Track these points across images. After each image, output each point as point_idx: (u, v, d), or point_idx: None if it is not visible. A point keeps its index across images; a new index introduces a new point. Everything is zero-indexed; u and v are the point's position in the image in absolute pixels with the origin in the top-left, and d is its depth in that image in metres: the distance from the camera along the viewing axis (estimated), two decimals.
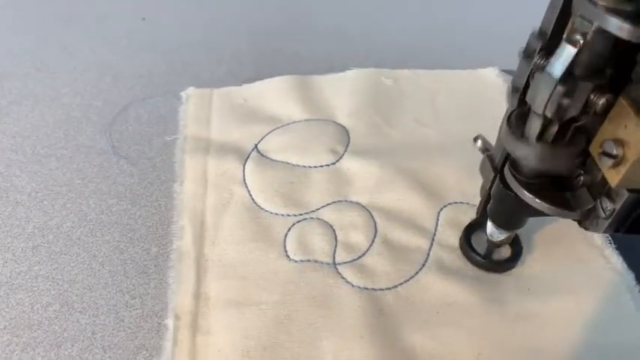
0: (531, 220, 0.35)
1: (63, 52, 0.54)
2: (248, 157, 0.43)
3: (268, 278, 0.35)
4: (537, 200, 0.30)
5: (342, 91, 0.50)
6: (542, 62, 0.28)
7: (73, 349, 0.32)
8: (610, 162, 0.26)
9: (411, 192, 0.41)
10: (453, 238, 0.38)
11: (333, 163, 0.43)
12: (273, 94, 0.49)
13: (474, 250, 0.37)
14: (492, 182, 0.34)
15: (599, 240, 0.38)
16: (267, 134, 0.45)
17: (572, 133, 0.28)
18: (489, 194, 0.34)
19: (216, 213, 0.39)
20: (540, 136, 0.28)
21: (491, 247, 0.37)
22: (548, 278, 0.36)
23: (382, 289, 0.35)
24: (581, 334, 0.34)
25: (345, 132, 0.46)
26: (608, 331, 0.34)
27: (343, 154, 0.44)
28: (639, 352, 0.33)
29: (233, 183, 0.41)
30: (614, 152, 0.25)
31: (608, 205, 0.28)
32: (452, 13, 0.62)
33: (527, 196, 0.31)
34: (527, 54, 0.29)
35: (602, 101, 0.26)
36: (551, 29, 0.28)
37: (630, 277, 0.36)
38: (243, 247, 0.37)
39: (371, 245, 0.38)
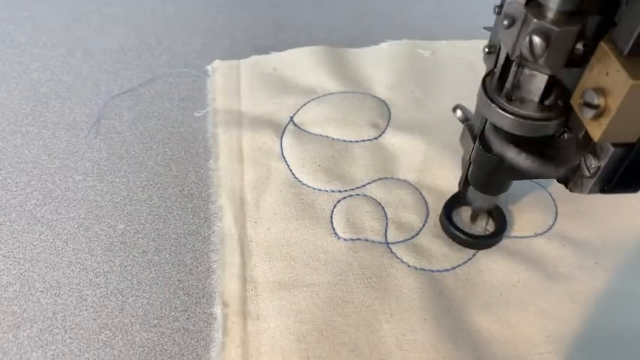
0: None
1: (33, 28, 0.52)
2: (284, 130, 0.41)
3: (318, 258, 0.34)
4: (519, 157, 0.29)
5: (378, 64, 0.48)
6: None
7: (33, 329, 0.31)
8: (591, 113, 0.24)
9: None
10: (511, 217, 0.36)
11: (376, 138, 0.41)
12: (305, 64, 0.47)
13: (455, 226, 0.35)
14: (472, 152, 0.32)
15: None
16: (302, 106, 0.43)
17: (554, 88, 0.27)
18: (469, 166, 0.32)
19: (256, 190, 0.37)
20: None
21: (474, 214, 0.35)
22: (613, 253, 0.35)
23: (440, 271, 0.34)
24: None
25: (384, 106, 0.44)
26: None
27: (385, 129, 0.42)
28: None
29: (271, 158, 0.39)
30: (595, 102, 0.23)
31: (593, 163, 0.26)
32: None
33: (509, 154, 0.29)
34: (499, 10, 0.27)
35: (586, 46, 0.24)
36: None
37: None
38: (287, 225, 0.35)
39: (424, 225, 0.36)
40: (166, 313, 0.32)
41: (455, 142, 0.35)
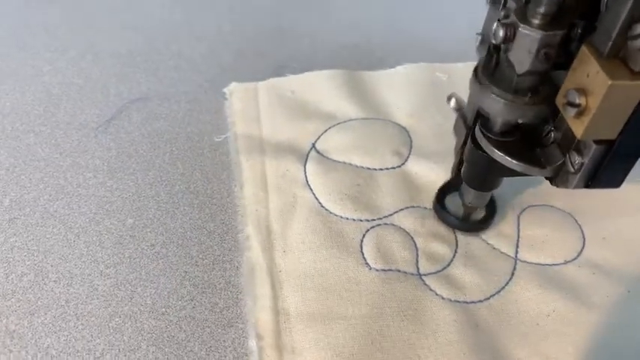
0: (605, 216, 0.37)
1: (45, 33, 0.54)
2: (307, 157, 0.41)
3: (351, 289, 0.33)
4: (508, 158, 0.30)
5: (397, 89, 0.47)
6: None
7: (47, 316, 0.33)
8: (574, 111, 0.25)
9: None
10: (539, 243, 0.37)
11: (399, 166, 0.41)
12: (323, 87, 0.47)
13: (448, 211, 0.37)
14: (465, 140, 0.33)
15: None
16: (323, 132, 0.43)
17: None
18: (462, 154, 0.34)
19: (282, 218, 0.37)
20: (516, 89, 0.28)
21: (466, 210, 0.36)
22: (636, 278, 0.35)
23: (474, 302, 0.33)
24: None
25: (406, 133, 0.44)
26: None
27: (408, 157, 0.42)
28: None
29: (296, 185, 0.39)
30: (577, 101, 0.25)
31: (577, 159, 0.28)
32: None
33: (497, 155, 0.30)
34: (493, 1, 0.29)
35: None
36: None
37: None
38: (317, 255, 0.35)
39: (454, 255, 0.36)
40: (173, 302, 0.33)
41: None
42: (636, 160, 0.27)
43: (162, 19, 0.57)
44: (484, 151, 0.31)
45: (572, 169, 0.28)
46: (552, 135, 0.30)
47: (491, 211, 0.37)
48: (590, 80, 0.25)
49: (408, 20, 0.59)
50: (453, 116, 0.41)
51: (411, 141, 0.43)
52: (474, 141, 0.32)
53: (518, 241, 0.37)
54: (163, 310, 0.33)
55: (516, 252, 0.36)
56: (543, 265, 0.35)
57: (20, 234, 0.37)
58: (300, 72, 0.49)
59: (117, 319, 0.33)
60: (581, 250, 0.36)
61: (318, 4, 0.61)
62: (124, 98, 0.47)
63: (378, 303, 0.33)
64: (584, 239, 0.37)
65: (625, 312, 0.33)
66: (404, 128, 0.44)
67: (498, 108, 0.29)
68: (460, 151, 0.34)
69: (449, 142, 0.39)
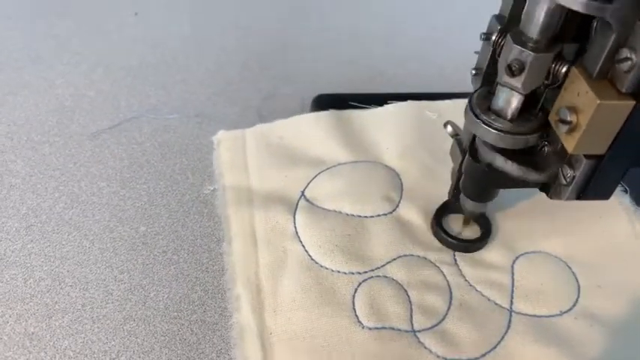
0: (599, 263, 0.37)
1: (57, 45, 0.56)
2: (297, 206, 0.40)
3: (343, 350, 0.32)
4: (508, 162, 0.32)
5: (386, 129, 0.46)
6: (500, 41, 0.30)
7: (64, 319, 0.34)
8: (565, 128, 0.27)
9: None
10: (534, 293, 0.36)
11: (391, 212, 0.40)
12: (311, 131, 0.45)
13: (445, 231, 0.38)
14: (461, 164, 0.35)
15: None
16: (312, 179, 0.42)
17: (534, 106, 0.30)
18: (459, 177, 0.36)
19: (273, 276, 0.35)
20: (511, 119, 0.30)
21: (467, 220, 0.38)
22: (634, 329, 0.34)
23: (470, 359, 0.33)
24: None
25: (396, 175, 0.42)
26: None
27: (399, 202, 0.40)
28: None
29: (285, 238, 0.38)
30: (569, 118, 0.27)
31: (569, 172, 0.30)
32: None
33: (498, 159, 0.32)
34: (487, 37, 0.31)
35: (563, 69, 0.28)
36: (509, 12, 0.30)
37: None
38: (309, 315, 0.33)
39: (449, 308, 0.35)
40: (185, 306, 0.35)
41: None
42: (624, 173, 0.29)
43: (171, 33, 0.59)
44: (480, 161, 0.33)
45: (564, 182, 0.30)
46: (546, 149, 0.32)
47: (487, 231, 0.38)
48: (580, 99, 0.26)
49: (408, 33, 0.61)
50: (443, 157, 0.41)
51: (402, 184, 0.42)
52: (472, 154, 0.34)
53: (512, 291, 0.36)
54: (175, 314, 0.35)
55: (511, 303, 0.35)
56: (539, 316, 0.35)
57: (37, 240, 0.38)
58: (302, 84, 0.51)
59: (131, 323, 0.34)
60: (577, 300, 0.36)
61: (318, 19, 0.63)
62: (134, 110, 0.49)
63: None
64: (579, 288, 0.36)
65: None
66: (394, 170, 0.43)
67: (492, 137, 0.31)
68: (457, 175, 0.36)
69: (440, 185, 0.40)
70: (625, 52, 0.25)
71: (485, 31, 0.31)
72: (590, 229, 0.39)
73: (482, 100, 0.32)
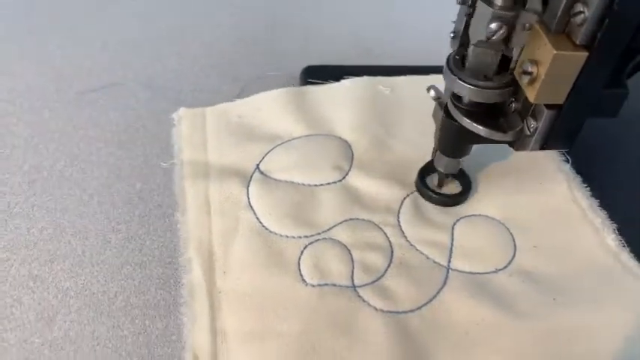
0: (537, 226, 0.39)
1: (55, 20, 0.58)
2: (251, 178, 0.42)
3: (287, 306, 0.34)
4: (475, 125, 0.35)
5: (340, 103, 0.47)
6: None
7: (65, 264, 0.36)
8: (527, 79, 0.30)
9: (422, 209, 0.41)
10: (472, 253, 0.38)
11: (340, 180, 0.42)
12: (269, 108, 0.47)
13: (429, 188, 0.41)
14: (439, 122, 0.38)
15: (613, 244, 0.38)
16: (267, 153, 0.43)
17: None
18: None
19: (224, 241, 0.37)
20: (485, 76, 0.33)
21: (441, 178, 0.41)
22: (571, 288, 0.36)
23: (406, 312, 0.34)
24: (611, 346, 0.33)
25: (348, 147, 0.44)
26: (635, 340, 0.33)
27: (349, 171, 0.42)
28: None
29: (238, 208, 0.39)
30: (530, 69, 0.29)
31: (532, 124, 0.32)
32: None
33: (466, 122, 0.35)
34: (463, 1, 0.33)
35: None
36: None
37: None
38: (256, 275, 0.35)
39: (389, 265, 0.37)
40: (178, 253, 0.37)
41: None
42: (582, 123, 0.32)
43: (167, 9, 0.61)
44: (455, 120, 0.36)
45: (528, 133, 0.33)
46: (513, 105, 0.34)
47: (467, 187, 0.41)
48: (540, 52, 0.29)
49: (398, 12, 0.64)
50: (394, 129, 0.45)
51: (353, 155, 0.44)
52: (447, 112, 0.36)
53: (451, 250, 0.38)
54: (169, 259, 0.37)
55: (449, 261, 0.37)
56: (474, 273, 0.37)
57: (39, 194, 0.40)
58: (293, 62, 0.53)
59: (128, 267, 0.37)
60: (512, 259, 0.38)
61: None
62: (129, 79, 0.51)
63: (312, 318, 0.33)
64: (516, 248, 0.38)
65: (550, 319, 0.34)
66: (346, 142, 0.45)
67: (467, 91, 0.33)
68: (438, 135, 0.39)
69: (390, 155, 0.43)
70: (579, 7, 0.27)
71: None
72: (531, 194, 0.42)
73: (458, 60, 0.34)
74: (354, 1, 0.66)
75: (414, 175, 0.42)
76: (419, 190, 0.41)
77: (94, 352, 0.33)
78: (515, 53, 0.32)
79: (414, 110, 0.47)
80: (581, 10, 0.27)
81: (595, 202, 0.41)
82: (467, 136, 0.36)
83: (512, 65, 0.32)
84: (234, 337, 0.32)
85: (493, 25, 0.30)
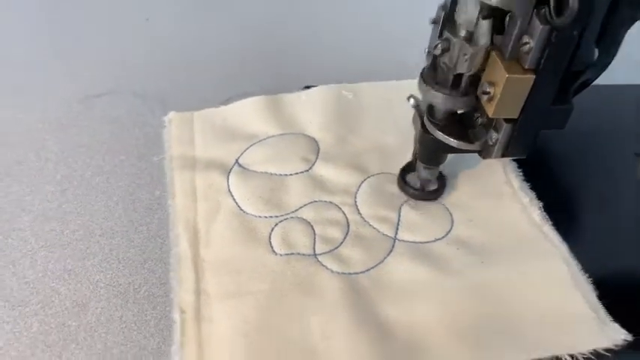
0: (479, 207, 0.46)
1: (74, 43, 0.64)
2: (231, 170, 0.48)
3: (259, 271, 0.40)
4: (447, 137, 0.40)
5: (309, 107, 0.54)
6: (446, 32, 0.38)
7: (95, 260, 0.42)
8: (486, 97, 0.36)
9: (376, 192, 0.47)
10: (416, 226, 0.44)
11: (307, 170, 0.49)
12: (249, 113, 0.54)
13: (410, 185, 0.46)
14: (418, 135, 0.43)
15: (537, 218, 0.44)
16: (245, 150, 0.50)
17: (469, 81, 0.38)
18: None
19: (207, 221, 0.44)
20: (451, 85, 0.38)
21: (423, 182, 0.46)
22: (497, 250, 0.43)
23: (357, 273, 0.41)
24: (527, 299, 0.39)
25: (315, 143, 0.51)
26: (549, 295, 0.40)
27: (315, 162, 0.49)
28: (569, 314, 0.38)
29: (219, 194, 0.46)
30: (488, 90, 0.35)
31: (494, 135, 0.38)
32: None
33: (439, 135, 0.41)
34: (435, 22, 0.39)
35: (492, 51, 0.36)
36: (450, 2, 0.38)
37: (564, 248, 0.42)
38: (234, 247, 0.42)
39: (345, 237, 0.43)
40: None
41: (372, 171, 0.48)
42: (536, 134, 0.37)
43: (176, 32, 0.68)
44: (431, 134, 0.41)
45: (491, 143, 0.38)
46: (479, 120, 0.40)
47: (442, 184, 0.47)
48: (496, 75, 0.35)
49: (397, 25, 0.70)
50: (356, 128, 0.53)
51: (319, 149, 0.51)
52: (424, 127, 0.42)
53: (398, 225, 0.44)
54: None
55: (396, 233, 0.44)
56: (417, 242, 0.43)
57: (71, 201, 0.46)
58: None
59: (150, 262, 0.42)
60: (450, 230, 0.44)
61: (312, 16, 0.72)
62: (149, 97, 0.57)
63: (279, 280, 0.40)
64: (453, 222, 0.45)
65: (475, 276, 0.40)
66: (313, 139, 0.52)
67: (440, 100, 0.39)
68: (417, 139, 0.44)
69: (351, 149, 0.51)
70: (526, 39, 0.33)
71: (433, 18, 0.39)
72: (470, 178, 0.48)
73: (432, 73, 0.40)
74: (352, 21, 0.72)
75: (370, 165, 0.49)
76: (400, 187, 0.47)
77: (122, 334, 0.38)
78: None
79: (373, 112, 0.55)
80: (528, 41, 0.33)
81: (526, 185, 0.47)
82: (441, 147, 0.42)
83: (462, 84, 0.38)
84: (214, 296, 0.39)
85: (440, 45, 0.36)
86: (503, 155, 0.39)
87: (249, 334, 0.37)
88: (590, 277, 0.40)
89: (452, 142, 0.40)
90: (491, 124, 0.39)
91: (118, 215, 0.45)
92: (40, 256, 0.42)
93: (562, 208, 0.46)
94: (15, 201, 0.46)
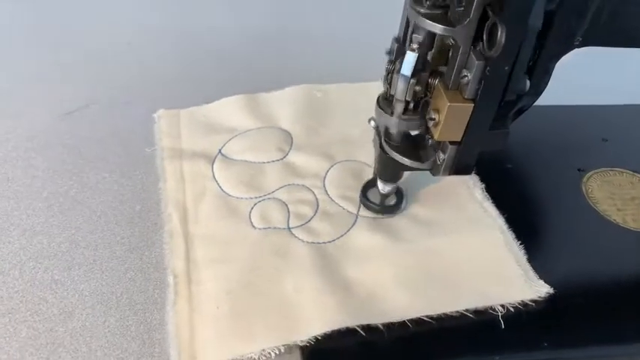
0: (430, 188, 0.52)
1: (62, 66, 0.68)
2: (215, 159, 0.55)
3: (240, 242, 0.47)
4: (401, 157, 0.45)
5: (285, 105, 0.62)
6: (397, 63, 0.42)
7: (80, 270, 0.46)
8: (432, 122, 0.40)
9: (342, 175, 0.54)
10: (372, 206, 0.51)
11: (282, 159, 0.56)
12: (229, 109, 0.61)
13: (370, 201, 0.51)
14: (377, 155, 0.48)
15: (479, 196, 0.52)
16: (227, 141, 0.57)
17: (420, 105, 0.43)
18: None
19: (195, 202, 0.51)
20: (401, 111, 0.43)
21: (382, 197, 0.51)
22: (444, 223, 0.50)
23: (325, 242, 0.48)
24: (466, 259, 0.47)
25: (288, 135, 0.59)
26: (485, 256, 0.47)
27: (289, 151, 0.57)
28: (502, 272, 0.46)
29: (205, 179, 0.53)
30: (433, 116, 0.40)
31: (441, 155, 0.42)
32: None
33: (395, 155, 0.45)
34: (389, 53, 0.43)
35: (437, 81, 0.40)
36: (402, 35, 0.42)
37: (501, 220, 0.50)
38: (218, 223, 0.49)
39: (315, 214, 0.50)
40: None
41: (339, 158, 0.56)
42: (477, 154, 0.42)
43: (157, 49, 0.72)
44: (388, 154, 0.46)
45: (438, 162, 0.43)
46: (430, 142, 0.44)
47: (400, 199, 0.51)
48: (439, 103, 0.39)
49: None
50: (325, 122, 0.60)
51: (292, 140, 0.58)
52: (382, 148, 0.46)
53: (360, 204, 0.51)
54: (164, 266, 0.46)
55: (358, 211, 0.51)
56: (375, 217, 0.50)
57: (56, 215, 0.50)
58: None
59: (131, 272, 0.46)
60: (404, 208, 0.51)
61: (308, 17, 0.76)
62: (140, 114, 0.61)
63: (257, 249, 0.47)
64: (407, 202, 0.52)
65: (422, 242, 0.48)
66: (287, 132, 0.59)
67: (393, 122, 0.43)
68: (376, 158, 0.49)
69: (320, 140, 0.58)
70: (464, 72, 0.38)
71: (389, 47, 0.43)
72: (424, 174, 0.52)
73: (385, 100, 0.44)
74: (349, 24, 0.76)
75: (337, 153, 0.57)
76: (362, 203, 0.51)
77: (106, 338, 0.42)
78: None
79: (340, 108, 0.63)
80: (466, 74, 0.38)
81: (476, 177, 0.54)
82: (397, 165, 0.46)
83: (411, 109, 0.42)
84: (202, 262, 0.46)
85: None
86: (449, 173, 0.43)
87: (233, 291, 0.43)
88: (521, 244, 0.48)
89: (406, 161, 0.45)
90: (438, 146, 0.43)
91: (101, 229, 0.49)
92: (28, 267, 0.46)
93: (512, 208, 0.52)
94: (4, 216, 0.50)
